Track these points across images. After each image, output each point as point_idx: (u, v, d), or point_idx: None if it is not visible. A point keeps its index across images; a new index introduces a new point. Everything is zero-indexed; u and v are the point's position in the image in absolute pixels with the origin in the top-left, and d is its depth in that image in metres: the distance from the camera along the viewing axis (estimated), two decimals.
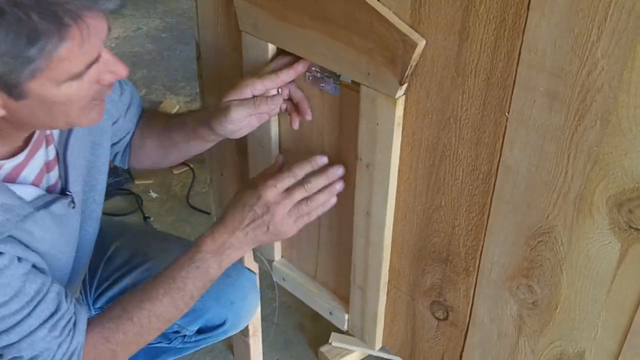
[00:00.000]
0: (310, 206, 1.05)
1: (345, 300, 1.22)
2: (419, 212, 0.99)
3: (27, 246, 0.93)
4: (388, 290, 1.12)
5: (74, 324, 0.98)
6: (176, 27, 3.78)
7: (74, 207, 1.04)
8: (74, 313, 0.99)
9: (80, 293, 1.32)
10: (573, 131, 0.76)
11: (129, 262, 1.32)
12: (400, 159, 0.98)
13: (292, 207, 1.04)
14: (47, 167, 1.00)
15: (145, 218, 2.35)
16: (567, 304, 0.86)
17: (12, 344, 0.93)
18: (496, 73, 0.81)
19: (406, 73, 0.88)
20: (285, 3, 1.00)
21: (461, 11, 0.80)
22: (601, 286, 0.81)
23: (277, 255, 1.33)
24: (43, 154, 0.99)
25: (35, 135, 0.97)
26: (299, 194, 1.04)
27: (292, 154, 1.17)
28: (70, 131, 1.01)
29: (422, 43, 0.86)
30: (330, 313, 1.24)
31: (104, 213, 1.20)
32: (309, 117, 1.09)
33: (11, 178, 0.94)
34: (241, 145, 1.28)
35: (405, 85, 0.91)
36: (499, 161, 0.85)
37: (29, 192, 0.94)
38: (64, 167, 1.02)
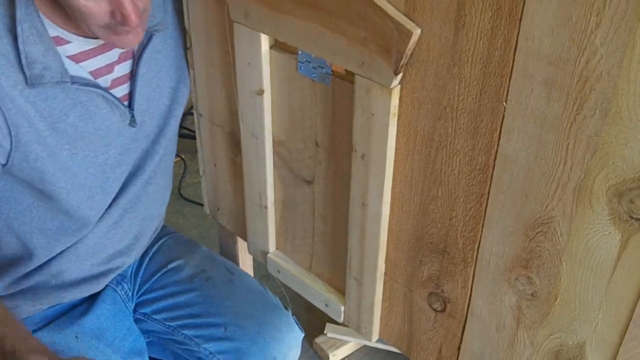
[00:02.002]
0: None
1: (341, 291, 1.21)
2: (415, 202, 0.98)
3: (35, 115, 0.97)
4: (384, 281, 1.11)
5: None
6: None
7: (134, 127, 1.10)
8: None
9: (127, 283, 1.30)
10: (572, 120, 0.75)
11: (191, 280, 1.31)
12: (396, 149, 0.96)
13: None
14: (118, 80, 1.08)
15: None
16: (566, 295, 0.85)
17: None
18: (493, 62, 0.79)
19: (401, 62, 0.87)
20: None
21: None
22: (601, 277, 0.80)
23: (272, 247, 1.31)
24: (112, 57, 1.06)
25: None
26: None
27: (284, 145, 1.16)
28: (142, 51, 1.09)
29: (417, 32, 0.84)
30: (326, 305, 1.23)
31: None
32: None
33: (75, 59, 1.01)
34: (234, 137, 1.26)
35: (400, 75, 0.89)
36: (496, 151, 0.84)
37: (75, 69, 1.00)
38: (132, 82, 1.10)
